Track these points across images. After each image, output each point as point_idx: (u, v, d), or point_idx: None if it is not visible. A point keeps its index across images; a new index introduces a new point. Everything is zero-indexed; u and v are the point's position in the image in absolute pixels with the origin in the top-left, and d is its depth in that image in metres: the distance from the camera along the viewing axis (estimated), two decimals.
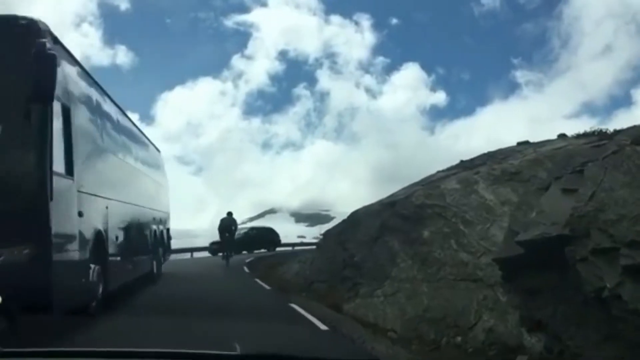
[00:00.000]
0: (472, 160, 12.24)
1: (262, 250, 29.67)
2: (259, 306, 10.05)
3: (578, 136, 10.86)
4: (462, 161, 12.87)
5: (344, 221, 13.82)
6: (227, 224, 19.72)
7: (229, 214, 20.15)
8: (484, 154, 12.38)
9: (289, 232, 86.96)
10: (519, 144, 11.98)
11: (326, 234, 14.88)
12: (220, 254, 21.13)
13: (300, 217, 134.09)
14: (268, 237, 32.24)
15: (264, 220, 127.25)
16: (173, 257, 27.43)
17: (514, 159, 10.34)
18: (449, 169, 12.61)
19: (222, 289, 12.38)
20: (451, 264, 8.87)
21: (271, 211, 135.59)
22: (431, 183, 11.41)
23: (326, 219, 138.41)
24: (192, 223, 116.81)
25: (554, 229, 6.58)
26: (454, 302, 8.09)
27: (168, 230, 13.41)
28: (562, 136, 11.49)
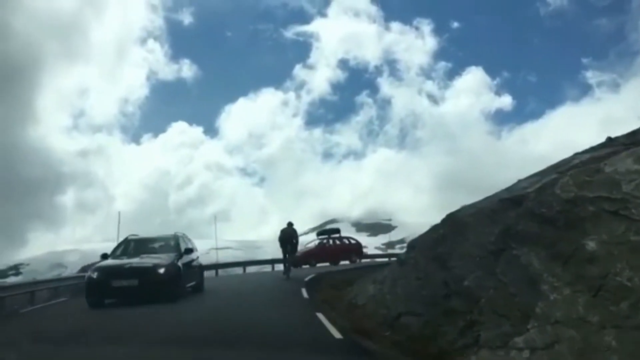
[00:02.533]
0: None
1: (325, 264, 26.34)
2: None
3: None
4: (610, 138, 8.85)
5: (436, 227, 10.03)
6: (288, 236, 18.44)
7: (290, 224, 18.82)
8: None
9: None
10: None
11: (412, 245, 11.13)
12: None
13: (361, 226, 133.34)
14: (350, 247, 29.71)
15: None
16: (233, 270, 29.15)
17: None
18: (591, 150, 8.61)
19: (264, 330, 8.08)
20: None
21: (332, 221, 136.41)
22: (581, 166, 7.50)
23: (387, 228, 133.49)
24: (255, 234, 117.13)
25: None
26: None
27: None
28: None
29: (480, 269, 7.57)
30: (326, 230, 31.75)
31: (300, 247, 21.54)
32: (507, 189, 8.81)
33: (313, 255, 27.61)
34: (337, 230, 30.98)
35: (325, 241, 29.04)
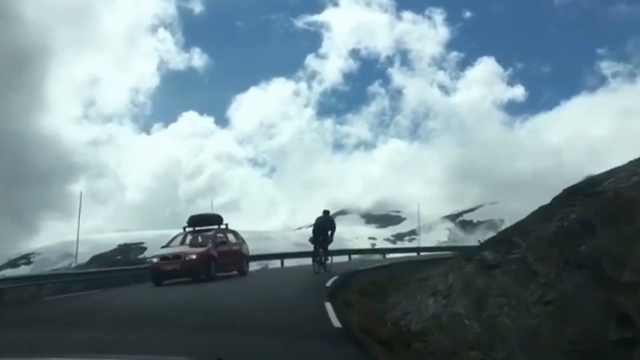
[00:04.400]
0: None
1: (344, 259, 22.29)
2: None
3: None
4: None
5: (557, 207, 6.06)
6: (322, 225, 16.64)
7: (325, 212, 17.24)
8: None
9: (360, 234, 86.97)
10: None
11: (507, 239, 7.12)
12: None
13: (370, 218, 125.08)
14: None
15: (336, 221, 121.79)
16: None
17: None
18: None
19: None
20: None
21: (342, 212, 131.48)
22: None
23: (397, 220, 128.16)
24: (264, 225, 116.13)
25: None
26: None
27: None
28: None
29: None
30: (198, 218, 17.15)
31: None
32: None
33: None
34: (216, 219, 17.21)
35: (190, 237, 16.31)
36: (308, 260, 27.26)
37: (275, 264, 25.28)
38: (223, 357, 1.72)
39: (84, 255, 54.07)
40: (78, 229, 18.87)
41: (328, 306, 8.66)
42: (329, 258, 16.93)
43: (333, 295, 10.16)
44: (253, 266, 25.56)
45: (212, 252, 15.35)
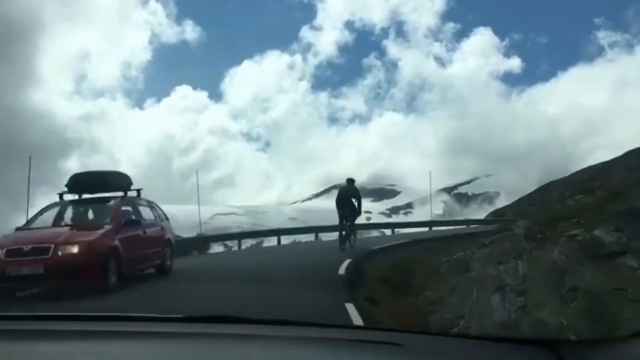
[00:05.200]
0: None
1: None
2: None
3: None
4: None
5: None
6: (346, 195, 14.49)
7: (350, 181, 14.79)
8: None
9: None
10: None
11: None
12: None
13: (365, 192, 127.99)
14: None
15: (329, 196, 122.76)
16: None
17: None
18: None
19: None
20: None
21: (336, 187, 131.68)
22: None
23: (391, 193, 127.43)
24: (259, 199, 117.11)
25: None
26: None
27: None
28: None
29: None
30: (86, 178, 10.19)
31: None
32: None
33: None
34: (117, 180, 10.41)
35: (72, 211, 9.93)
36: (305, 237, 25.27)
37: (272, 240, 22.98)
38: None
39: None
40: (27, 201, 14.25)
41: (350, 308, 6.25)
42: (354, 233, 14.75)
43: (351, 288, 7.77)
44: (248, 242, 23.54)
45: (111, 239, 8.63)
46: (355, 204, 14.21)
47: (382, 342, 1.39)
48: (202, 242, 19.28)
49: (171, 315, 1.70)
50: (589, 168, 30.42)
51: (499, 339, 1.37)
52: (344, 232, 14.17)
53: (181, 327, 1.63)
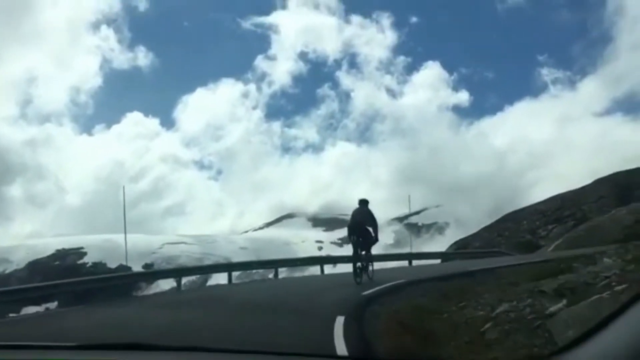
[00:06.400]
0: None
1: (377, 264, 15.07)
2: None
3: None
4: None
5: None
6: (359, 220, 12.74)
7: (363, 202, 12.97)
8: None
9: (307, 237, 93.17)
10: None
11: None
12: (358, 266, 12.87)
13: (317, 221, 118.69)
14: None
15: (281, 225, 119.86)
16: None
17: None
18: None
19: None
20: None
21: (289, 216, 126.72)
22: None
23: (344, 223, 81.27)
24: (210, 228, 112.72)
25: None
26: None
27: None
28: None
29: None
30: None
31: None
32: None
33: None
34: None
35: None
36: (262, 273, 24.24)
37: (221, 277, 19.64)
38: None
39: (21, 261, 55.63)
40: None
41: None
42: (371, 264, 12.81)
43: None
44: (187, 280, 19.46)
45: None
46: (371, 229, 12.53)
47: None
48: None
49: (63, 344, 1.76)
50: (559, 196, 29.92)
51: None
52: (358, 264, 12.27)
53: (73, 354, 1.72)
